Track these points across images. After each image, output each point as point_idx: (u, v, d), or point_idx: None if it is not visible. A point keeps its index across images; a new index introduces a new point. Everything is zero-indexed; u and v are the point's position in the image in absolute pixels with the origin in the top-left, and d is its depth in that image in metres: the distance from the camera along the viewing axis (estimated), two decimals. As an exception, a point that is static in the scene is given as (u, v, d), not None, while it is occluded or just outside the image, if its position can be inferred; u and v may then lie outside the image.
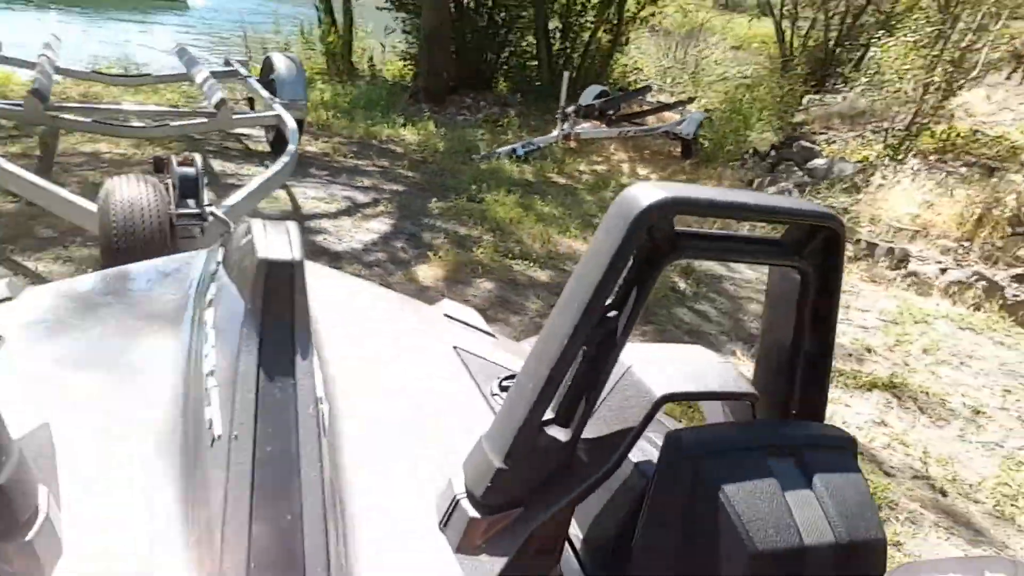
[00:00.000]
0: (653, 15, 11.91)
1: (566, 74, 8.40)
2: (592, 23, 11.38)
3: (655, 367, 0.92)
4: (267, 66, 6.84)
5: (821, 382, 0.98)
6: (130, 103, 7.15)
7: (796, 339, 0.94)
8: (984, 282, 5.47)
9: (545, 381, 0.80)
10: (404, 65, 11.30)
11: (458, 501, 0.87)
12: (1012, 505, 3.22)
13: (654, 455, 0.96)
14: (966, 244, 5.96)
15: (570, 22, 11.33)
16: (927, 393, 4.06)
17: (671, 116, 9.41)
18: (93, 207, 3.37)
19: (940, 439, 3.67)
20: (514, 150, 7.69)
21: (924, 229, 6.16)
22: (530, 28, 11.22)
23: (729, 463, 0.87)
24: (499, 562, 0.83)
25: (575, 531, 1.05)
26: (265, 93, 6.23)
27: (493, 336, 1.68)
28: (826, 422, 1.05)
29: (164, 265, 1.60)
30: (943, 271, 5.70)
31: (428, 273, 4.50)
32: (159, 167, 3.55)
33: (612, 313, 0.81)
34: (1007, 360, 4.67)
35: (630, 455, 0.93)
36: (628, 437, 0.87)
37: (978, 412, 3.95)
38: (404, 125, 8.21)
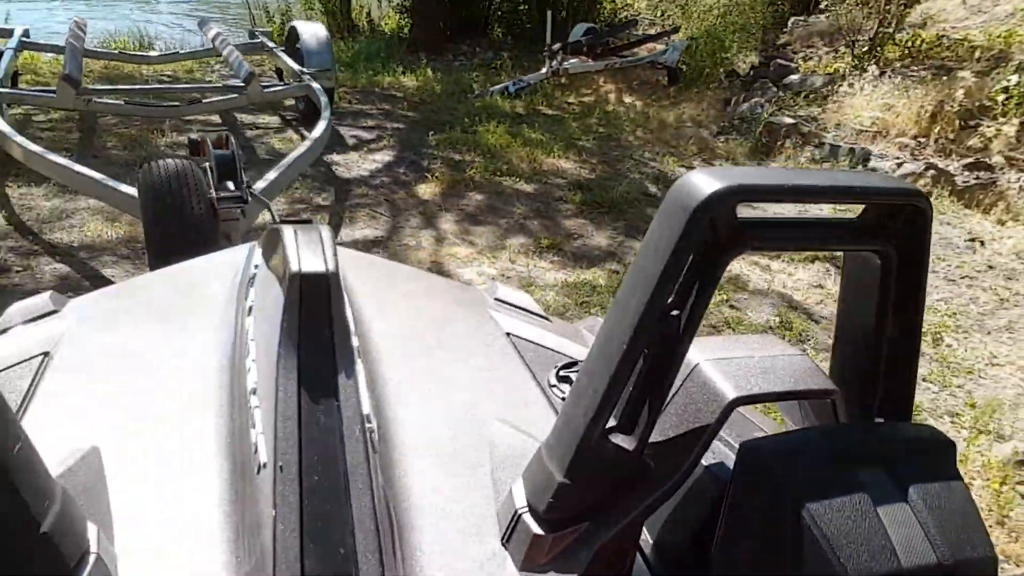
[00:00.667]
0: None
1: (549, 13, 8.90)
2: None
3: (725, 365, 0.84)
4: (292, 35, 6.79)
5: (907, 375, 0.88)
6: (158, 82, 7.34)
7: (878, 328, 0.85)
8: (934, 171, 6.01)
9: (606, 387, 0.74)
10: (401, 18, 11.78)
11: (520, 516, 0.81)
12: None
13: (728, 457, 0.90)
14: (922, 140, 6.48)
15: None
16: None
17: (658, 47, 9.88)
18: (134, 192, 3.37)
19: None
20: (506, 88, 8.24)
21: (884, 130, 6.67)
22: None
23: (812, 476, 0.79)
24: (564, 569, 0.78)
25: (644, 536, 0.98)
26: (293, 64, 6.22)
27: (548, 320, 1.61)
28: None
29: (206, 265, 1.54)
30: (899, 165, 6.24)
31: (426, 190, 5.15)
32: (195, 150, 3.55)
33: (674, 312, 0.74)
34: (947, 235, 5.24)
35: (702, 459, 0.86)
36: (699, 444, 0.80)
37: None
38: (403, 73, 8.76)
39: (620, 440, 0.77)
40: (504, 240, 4.54)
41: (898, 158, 6.35)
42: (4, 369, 1.10)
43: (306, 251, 0.83)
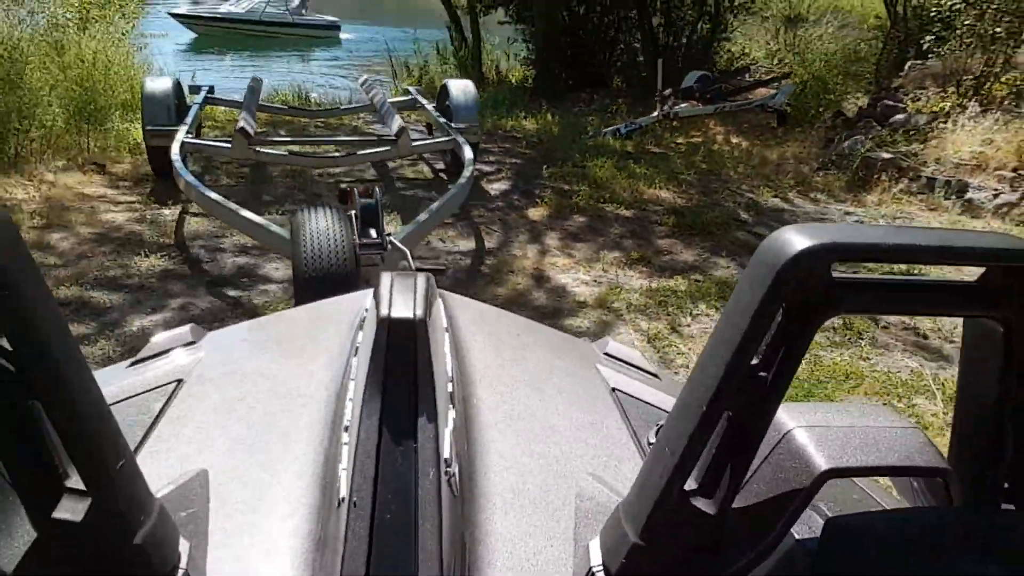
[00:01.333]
0: (752, 1, 12.73)
1: (660, 61, 9.60)
2: (692, 16, 12.42)
3: (822, 433, 0.78)
4: (443, 93, 7.23)
5: None
6: (319, 134, 8.15)
7: (1001, 403, 0.77)
8: (1032, 201, 6.15)
9: (685, 447, 0.70)
10: (525, 70, 12.82)
11: (593, 575, 0.79)
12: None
13: (819, 526, 0.83)
14: (1022, 173, 6.61)
15: (671, 17, 12.43)
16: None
17: (768, 92, 10.34)
18: (286, 234, 3.71)
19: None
20: (618, 130, 8.96)
21: (983, 164, 6.84)
22: (638, 27, 12.43)
23: (902, 563, 0.73)
24: None
25: None
26: (441, 119, 6.65)
27: (657, 377, 1.59)
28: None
29: (333, 306, 1.60)
30: (996, 195, 6.41)
31: (536, 213, 5.91)
32: (343, 198, 3.82)
33: (761, 374, 0.70)
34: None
35: (792, 529, 0.79)
36: (785, 516, 0.73)
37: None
38: (525, 117, 9.67)
39: (700, 503, 0.73)
40: (599, 253, 5.21)
41: (996, 189, 6.52)
42: (141, 393, 1.18)
43: (398, 297, 0.85)
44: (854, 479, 0.95)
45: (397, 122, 6.20)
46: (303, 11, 25.92)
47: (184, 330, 1.51)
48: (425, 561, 0.70)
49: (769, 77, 10.90)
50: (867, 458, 0.76)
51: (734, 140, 9.12)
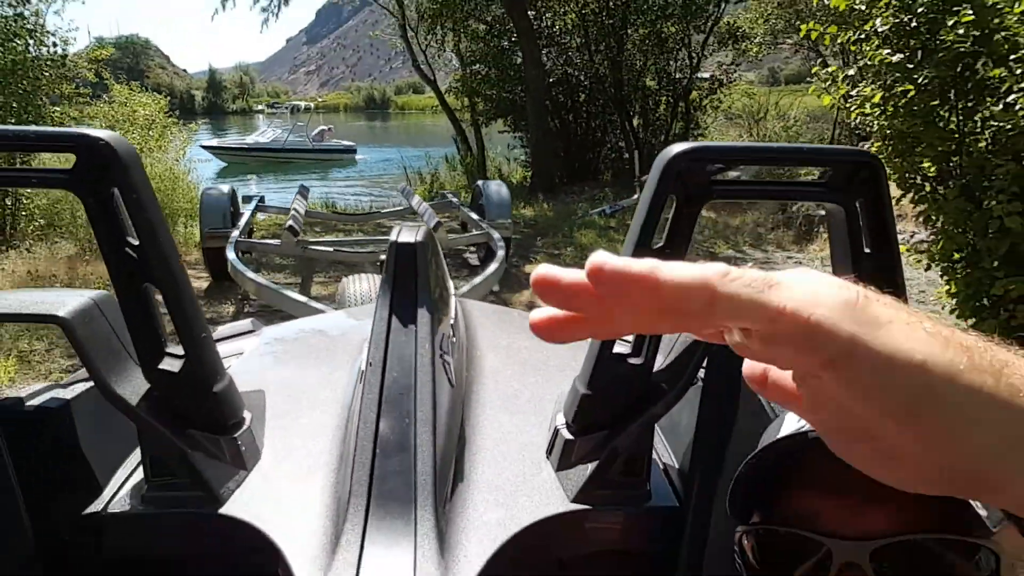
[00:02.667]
0: (719, 102, 14.56)
1: (636, 152, 11.25)
2: (666, 116, 14.24)
3: None
4: (476, 192, 7.85)
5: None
6: (359, 234, 8.90)
7: (859, 274, 0.84)
8: None
9: None
10: (524, 171, 14.55)
11: (558, 430, 0.98)
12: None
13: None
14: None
15: (648, 118, 14.25)
16: None
17: (735, 173, 11.93)
18: (332, 311, 3.92)
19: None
20: (603, 211, 10.47)
21: (903, 213, 8.20)
22: (620, 128, 14.23)
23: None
24: (589, 468, 0.94)
25: (669, 460, 1.13)
26: (474, 216, 7.21)
27: None
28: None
29: (370, 306, 1.82)
30: (912, 236, 7.71)
31: (530, 268, 7.28)
32: (384, 268, 4.99)
33: (665, 251, 0.86)
34: None
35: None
36: (692, 363, 0.93)
37: None
38: (524, 207, 11.22)
39: (631, 360, 0.91)
40: (580, 291, 6.54)
41: (913, 231, 7.82)
42: None
43: (405, 232, 1.06)
44: None
45: (433, 220, 6.54)
46: (322, 139, 28.28)
47: (246, 322, 1.79)
48: (421, 406, 0.89)
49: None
50: None
51: (704, 213, 10.56)
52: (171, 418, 0.90)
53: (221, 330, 1.74)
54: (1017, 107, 3.07)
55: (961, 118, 3.45)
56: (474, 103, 14.75)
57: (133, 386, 0.89)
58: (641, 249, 0.84)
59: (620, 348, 0.91)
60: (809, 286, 0.33)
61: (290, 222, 6.45)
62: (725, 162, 0.92)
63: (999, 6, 3.17)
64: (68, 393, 1.04)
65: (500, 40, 14.12)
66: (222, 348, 1.42)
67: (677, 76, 14.06)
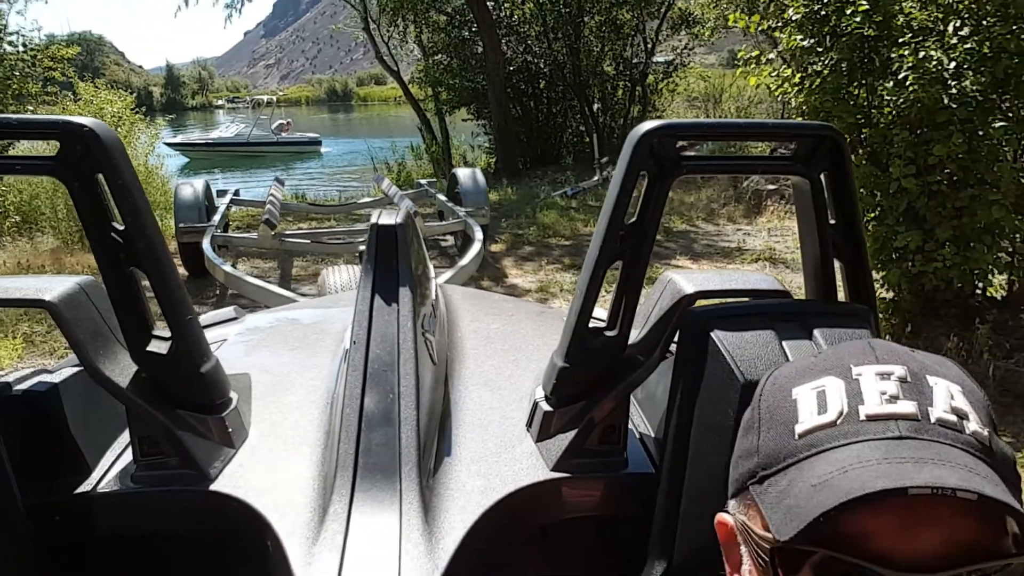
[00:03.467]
0: (675, 85, 15.07)
1: (595, 136, 11.72)
2: (624, 101, 14.73)
3: (693, 276, 1.00)
4: (452, 181, 7.80)
5: (861, 278, 0.98)
6: (336, 225, 8.59)
7: (824, 242, 0.96)
8: None
9: (587, 286, 0.92)
10: (488, 157, 14.94)
11: (537, 403, 1.02)
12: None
13: None
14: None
15: (607, 103, 14.73)
16: None
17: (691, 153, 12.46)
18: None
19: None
20: (565, 192, 10.92)
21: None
22: (580, 112, 14.68)
23: (732, 323, 0.91)
24: (567, 438, 0.96)
25: (645, 429, 1.14)
26: (451, 204, 7.14)
27: None
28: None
29: (350, 295, 1.87)
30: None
31: (495, 248, 7.72)
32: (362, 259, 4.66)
33: (638, 227, 0.90)
34: None
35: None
36: (665, 334, 0.97)
37: None
38: (489, 192, 11.61)
39: (606, 333, 0.95)
40: (542, 265, 7.00)
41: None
42: None
43: (385, 215, 1.09)
44: None
45: (410, 208, 6.37)
46: (282, 133, 28.28)
47: (228, 310, 1.82)
48: (405, 375, 0.93)
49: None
50: (723, 286, 0.99)
51: (661, 193, 11.09)
52: (159, 399, 0.92)
53: (204, 317, 1.72)
54: (908, 84, 3.57)
55: (867, 94, 3.94)
56: (437, 93, 15.09)
57: (121, 368, 0.92)
58: (614, 226, 0.87)
59: (596, 322, 0.94)
60: None
61: (266, 215, 6.38)
62: (695, 138, 1.07)
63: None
64: (57, 377, 1.04)
65: (461, 31, 14.47)
66: (209, 333, 1.41)
67: (633, 61, 14.54)
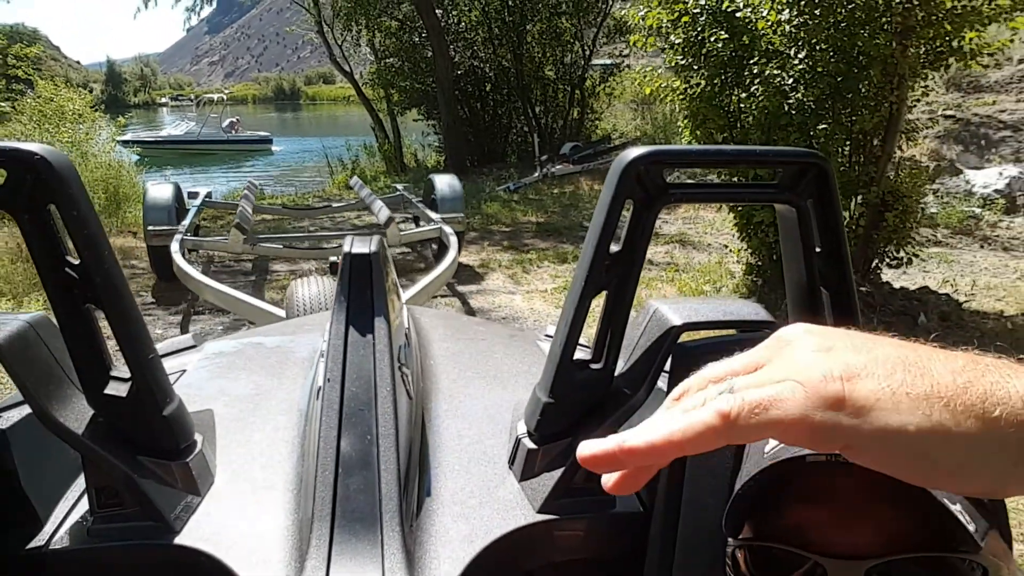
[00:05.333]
0: (611, 89, 16.24)
1: (535, 135, 12.79)
2: (564, 104, 15.86)
3: (680, 306, 0.95)
4: (429, 187, 7.66)
5: (847, 309, 0.94)
6: (311, 229, 8.77)
7: (810, 271, 0.92)
8: None
9: (572, 319, 0.86)
10: (438, 155, 15.90)
11: (519, 440, 0.95)
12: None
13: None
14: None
15: (549, 105, 15.83)
16: None
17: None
18: (281, 312, 3.85)
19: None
20: (508, 187, 11.95)
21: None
22: (523, 113, 15.74)
23: (724, 359, 0.73)
24: (553, 477, 0.91)
25: None
26: (427, 211, 7.05)
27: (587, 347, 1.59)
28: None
29: (319, 317, 1.84)
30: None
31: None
32: (335, 270, 3.91)
33: (624, 256, 0.86)
34: None
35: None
36: (653, 365, 0.91)
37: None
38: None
39: (592, 366, 0.90)
40: (484, 247, 8.00)
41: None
42: None
43: (358, 243, 1.04)
44: None
45: (385, 214, 6.44)
46: (233, 131, 28.67)
47: (186, 337, 1.74)
48: (383, 422, 0.87)
49: (623, 142, 14.21)
50: (711, 317, 0.95)
51: (596, 187, 12.18)
52: (118, 445, 0.85)
53: (160, 346, 1.66)
54: (758, 95, 4.68)
55: (736, 103, 5.05)
56: (389, 94, 15.99)
57: (76, 413, 0.84)
58: (599, 255, 0.84)
59: (580, 354, 0.90)
60: (799, 393, 0.38)
61: (238, 219, 6.20)
62: (682, 165, 0.94)
63: (750, 24, 4.77)
64: (3, 421, 0.96)
65: (411, 36, 15.41)
66: (166, 363, 1.41)
67: (572, 67, 15.66)
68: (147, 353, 0.84)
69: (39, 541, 0.88)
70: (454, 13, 15.45)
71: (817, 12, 4.45)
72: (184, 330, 5.67)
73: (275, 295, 6.43)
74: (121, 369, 0.84)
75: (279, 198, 13.05)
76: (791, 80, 4.66)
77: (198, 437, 0.94)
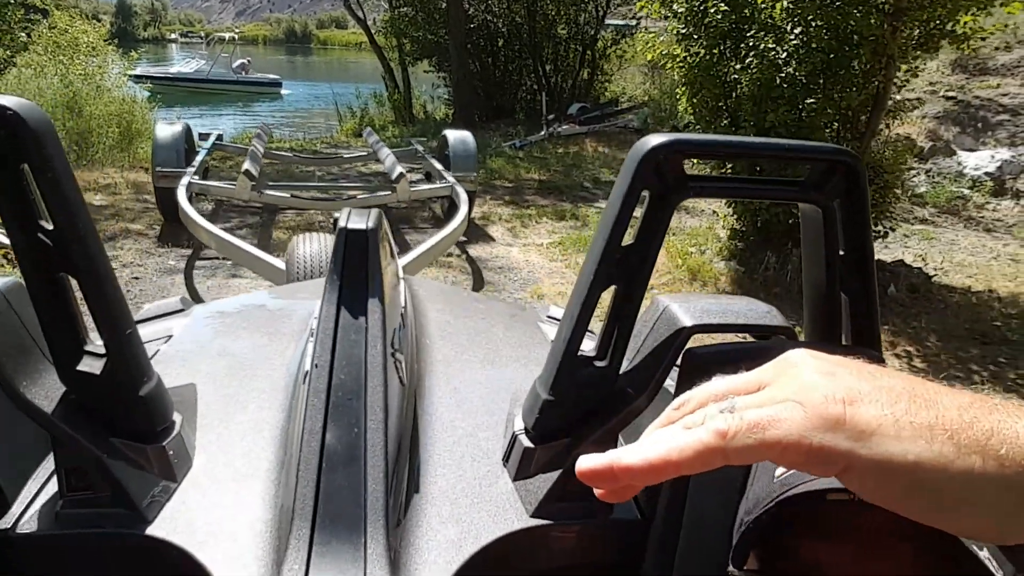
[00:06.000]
0: (623, 51, 16.29)
1: (544, 94, 12.92)
2: (574, 64, 15.93)
3: (691, 305, 0.91)
4: (442, 143, 7.60)
5: (867, 317, 0.90)
6: (322, 179, 8.65)
7: (831, 275, 0.89)
8: None
9: (578, 313, 0.83)
10: (447, 108, 16.03)
11: (516, 437, 0.91)
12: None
13: None
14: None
15: (559, 64, 15.90)
16: None
17: (631, 116, 13.79)
18: (281, 264, 3.79)
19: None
20: (514, 143, 12.14)
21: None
22: (533, 71, 15.82)
23: (735, 368, 0.72)
24: (549, 479, 0.87)
25: None
26: (439, 167, 6.90)
27: (592, 332, 1.52)
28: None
29: (313, 284, 1.75)
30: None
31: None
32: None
33: (636, 250, 0.82)
34: None
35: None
36: (660, 367, 0.87)
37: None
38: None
39: (596, 363, 0.86)
40: (486, 201, 8.27)
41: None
42: None
43: (355, 217, 0.97)
44: None
45: (397, 169, 6.32)
46: (243, 72, 28.66)
47: (174, 300, 1.68)
48: (372, 411, 0.82)
49: (630, 106, 14.35)
50: (723, 319, 0.90)
51: (600, 149, 12.40)
52: (91, 425, 0.80)
53: (147, 308, 1.63)
54: (752, 67, 4.90)
55: (732, 73, 5.27)
56: (401, 44, 16.05)
57: (46, 390, 0.79)
58: (611, 247, 0.80)
59: (585, 350, 0.86)
60: (799, 413, 0.37)
61: (247, 164, 6.12)
62: (704, 156, 0.80)
63: (750, -1, 4.97)
64: None
65: (426, -15, 15.43)
66: (148, 329, 1.34)
67: (585, 27, 15.68)
68: (124, 328, 0.80)
69: (4, 524, 0.83)
70: (470, -35, 15.45)
71: (813, -11, 4.65)
72: (189, 269, 5.68)
73: (283, 236, 6.51)
74: (96, 344, 0.80)
75: (287, 142, 13.27)
76: (784, 55, 4.88)
77: (177, 418, 0.90)
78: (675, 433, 0.40)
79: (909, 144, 5.75)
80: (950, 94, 10.46)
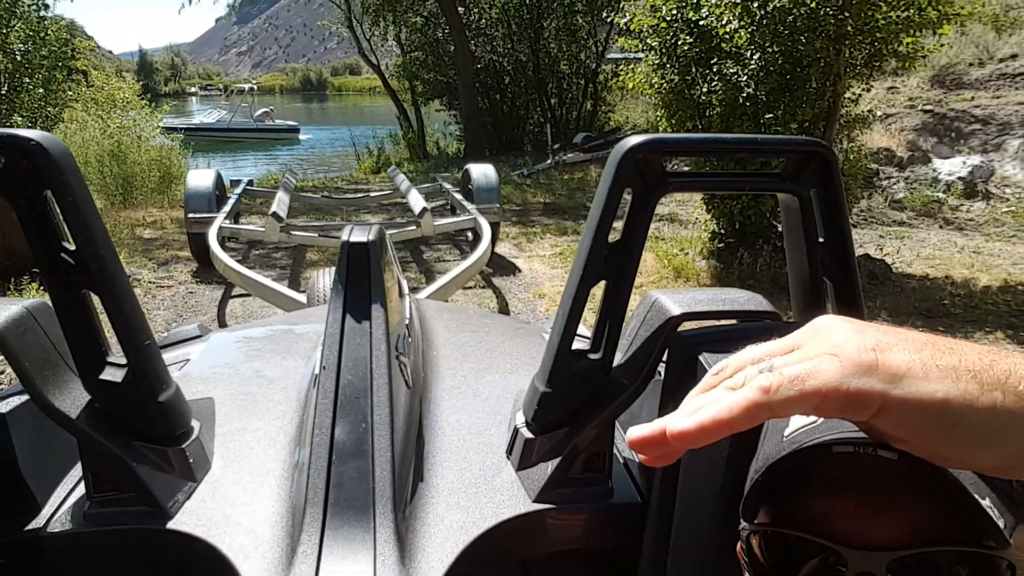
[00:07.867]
0: (623, 83, 17.14)
1: (549, 126, 13.77)
2: (578, 97, 16.83)
3: (680, 295, 0.95)
4: (465, 176, 7.70)
5: (851, 301, 0.93)
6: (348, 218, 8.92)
7: (812, 261, 0.92)
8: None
9: (570, 306, 0.86)
10: (458, 143, 16.96)
11: (517, 429, 0.94)
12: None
13: None
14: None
15: (563, 97, 16.81)
16: None
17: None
18: (303, 298, 3.89)
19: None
20: (522, 172, 12.96)
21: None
22: (539, 105, 16.73)
23: (721, 347, 0.88)
24: (550, 467, 0.90)
25: (631, 456, 1.08)
26: (463, 201, 7.07)
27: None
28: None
29: (320, 310, 1.81)
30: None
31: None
32: None
33: (621, 246, 0.85)
34: None
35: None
36: (651, 356, 0.90)
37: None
38: (457, 172, 13.54)
39: (590, 356, 0.89)
40: (496, 223, 9.04)
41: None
42: None
43: (357, 232, 1.02)
44: None
45: (420, 204, 6.48)
46: (266, 120, 29.87)
47: (192, 327, 1.77)
48: (378, 410, 0.86)
49: (633, 133, 15.13)
50: (710, 307, 0.94)
51: (603, 174, 13.18)
52: (114, 430, 0.85)
53: (166, 336, 1.72)
54: (718, 90, 5.66)
55: (701, 96, 6.03)
56: (414, 86, 17.09)
57: (73, 398, 0.84)
58: (597, 245, 0.83)
59: (579, 344, 0.89)
60: (835, 364, 0.40)
61: (275, 207, 6.30)
62: (681, 153, 0.94)
63: (713, 30, 5.74)
64: (3, 406, 0.94)
65: (435, 31, 16.47)
66: (167, 355, 1.46)
67: (587, 62, 16.61)
68: (143, 339, 0.84)
69: (37, 523, 0.87)
70: (475, 10, 16.48)
71: (764, 21, 5.41)
72: (223, 305, 5.96)
73: (310, 271, 6.72)
74: (118, 355, 0.84)
75: (309, 181, 14.14)
76: (746, 77, 5.63)
77: (195, 424, 0.94)
78: (720, 395, 0.43)
79: (859, 152, 6.41)
80: (928, 107, 11.16)
